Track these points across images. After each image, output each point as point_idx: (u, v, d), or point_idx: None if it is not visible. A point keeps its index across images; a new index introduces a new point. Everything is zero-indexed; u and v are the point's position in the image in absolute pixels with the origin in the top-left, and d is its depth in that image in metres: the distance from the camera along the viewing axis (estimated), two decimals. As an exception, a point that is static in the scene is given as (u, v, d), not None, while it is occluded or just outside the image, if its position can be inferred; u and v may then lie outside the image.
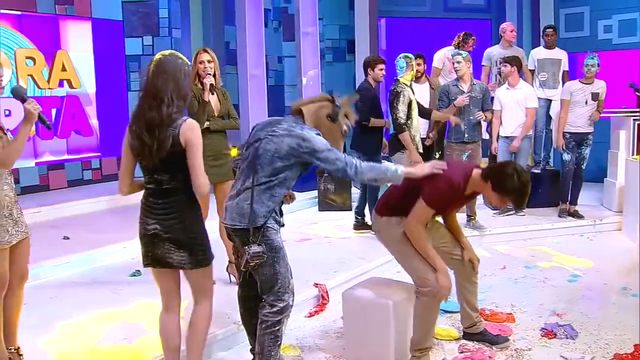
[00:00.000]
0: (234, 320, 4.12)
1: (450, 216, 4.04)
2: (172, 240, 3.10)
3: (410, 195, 3.59)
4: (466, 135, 6.67)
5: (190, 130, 3.01)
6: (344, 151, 3.54)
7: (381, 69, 6.45)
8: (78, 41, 8.66)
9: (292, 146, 3.21)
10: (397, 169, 3.38)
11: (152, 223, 3.11)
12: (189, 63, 3.22)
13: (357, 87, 6.95)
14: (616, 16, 9.50)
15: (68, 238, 6.18)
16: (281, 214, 3.42)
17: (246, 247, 3.21)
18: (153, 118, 3.00)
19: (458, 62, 6.66)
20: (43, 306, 4.59)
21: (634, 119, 7.29)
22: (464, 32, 8.08)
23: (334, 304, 4.73)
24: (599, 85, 7.17)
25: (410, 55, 6.42)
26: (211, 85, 4.72)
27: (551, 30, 8.16)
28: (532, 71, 8.16)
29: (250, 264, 3.21)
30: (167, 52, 3.18)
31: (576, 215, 7.35)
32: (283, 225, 3.44)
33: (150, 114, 3.01)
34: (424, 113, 6.65)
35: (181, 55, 3.18)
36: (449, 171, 3.56)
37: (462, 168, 3.80)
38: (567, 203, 7.43)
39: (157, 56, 3.12)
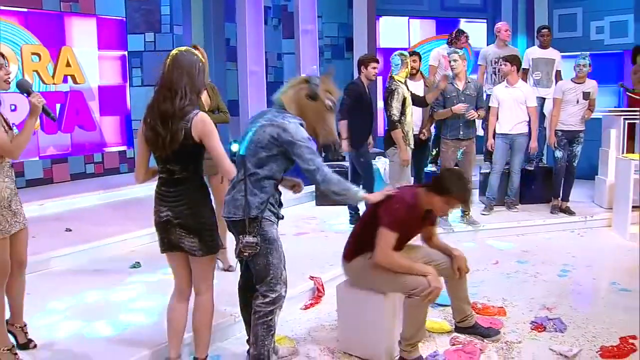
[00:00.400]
0: (231, 312, 4.23)
1: (432, 239, 4.13)
2: (182, 226, 3.25)
3: (370, 228, 3.73)
4: (461, 133, 6.71)
5: (201, 123, 3.15)
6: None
7: (374, 68, 6.54)
8: (82, 37, 8.76)
9: (272, 135, 3.24)
10: (358, 192, 3.51)
11: (164, 210, 3.28)
12: (202, 60, 3.37)
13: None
14: (608, 17, 9.66)
15: (70, 230, 6.28)
16: (280, 206, 3.46)
17: (240, 237, 3.29)
18: (167, 110, 3.14)
19: (455, 60, 6.68)
20: (45, 296, 4.70)
21: (624, 118, 7.38)
22: (456, 29, 8.22)
23: (329, 297, 4.80)
24: (590, 85, 7.29)
25: (405, 52, 6.46)
26: None
27: (546, 30, 8.24)
28: (526, 70, 8.26)
29: (244, 254, 3.29)
30: (183, 48, 3.34)
31: (567, 211, 7.48)
32: (282, 218, 3.49)
33: (164, 105, 3.16)
34: (419, 102, 6.71)
35: (196, 52, 3.34)
36: (399, 193, 3.77)
37: (409, 188, 4.06)
38: (559, 199, 7.57)
39: (174, 51, 3.27)
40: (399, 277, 3.68)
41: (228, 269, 5.12)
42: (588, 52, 7.36)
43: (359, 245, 3.85)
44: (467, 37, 8.16)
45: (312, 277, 5.02)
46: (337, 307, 4.07)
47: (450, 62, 6.80)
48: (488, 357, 3.96)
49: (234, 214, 3.32)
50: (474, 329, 4.23)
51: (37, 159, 8.25)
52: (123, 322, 4.24)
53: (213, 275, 3.50)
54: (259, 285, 3.38)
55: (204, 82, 3.47)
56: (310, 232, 6.77)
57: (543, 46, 8.22)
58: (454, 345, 4.12)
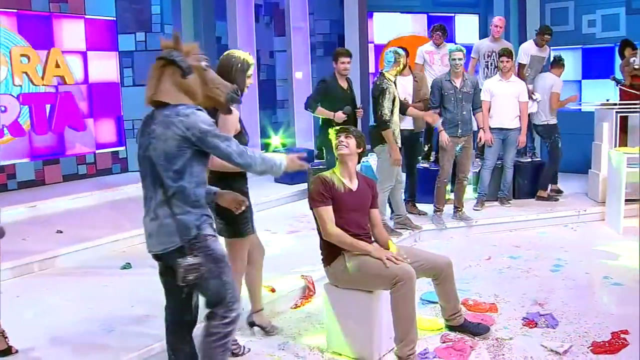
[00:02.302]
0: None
1: (376, 227, 4.10)
2: (212, 209, 3.41)
3: None
4: (459, 130, 6.65)
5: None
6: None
7: (343, 62, 6.44)
8: (72, 38, 8.72)
9: (178, 138, 2.82)
10: (281, 163, 3.12)
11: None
12: (246, 60, 3.77)
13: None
14: (600, 11, 9.64)
15: (61, 232, 6.27)
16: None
17: (179, 260, 2.84)
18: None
19: (459, 59, 6.57)
20: (35, 298, 4.70)
21: (616, 112, 7.39)
22: (438, 25, 8.20)
23: (319, 296, 4.76)
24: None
25: (400, 51, 6.28)
26: None
27: (549, 36, 8.12)
28: (524, 65, 8.18)
29: (188, 279, 2.84)
30: (227, 51, 3.86)
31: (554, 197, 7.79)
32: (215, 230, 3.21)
33: None
34: (399, 109, 6.57)
35: (238, 54, 3.78)
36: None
37: None
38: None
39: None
40: (371, 272, 3.74)
41: None
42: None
43: (330, 248, 3.90)
44: (436, 29, 8.14)
45: (303, 276, 5.01)
46: (325, 306, 4.06)
47: (452, 59, 6.62)
48: (479, 354, 3.95)
49: (171, 242, 2.87)
50: (464, 326, 4.22)
51: (28, 160, 8.22)
52: (112, 323, 4.22)
53: (238, 259, 3.83)
54: (216, 307, 3.02)
55: (243, 81, 3.73)
56: (302, 230, 6.75)
57: (539, 45, 8.17)
58: (444, 342, 4.11)
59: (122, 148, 9.41)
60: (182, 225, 2.85)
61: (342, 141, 3.99)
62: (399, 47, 6.39)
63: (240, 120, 3.84)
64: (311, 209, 3.95)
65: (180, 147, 2.81)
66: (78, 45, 8.80)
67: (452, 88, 6.64)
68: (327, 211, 3.84)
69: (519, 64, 8.16)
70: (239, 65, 3.76)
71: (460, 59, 6.58)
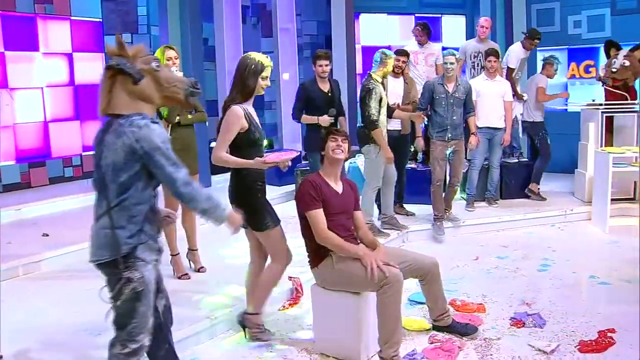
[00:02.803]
0: (206, 314, 4.27)
1: (360, 228, 4.10)
2: (231, 201, 3.88)
3: (309, 230, 3.88)
4: (449, 135, 6.57)
5: (225, 115, 3.83)
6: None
7: (321, 65, 6.35)
8: (57, 40, 8.66)
9: (127, 150, 2.69)
10: (225, 210, 2.92)
11: None
12: (261, 62, 3.84)
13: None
14: (585, 12, 9.73)
15: (47, 235, 6.21)
16: (159, 231, 2.98)
17: (110, 275, 2.81)
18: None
19: (451, 63, 6.47)
20: (22, 302, 4.65)
21: (602, 112, 7.44)
22: (421, 24, 8.14)
23: (308, 298, 4.73)
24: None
25: (387, 52, 6.25)
26: None
27: (539, 39, 8.15)
28: (513, 70, 8.18)
29: (125, 292, 2.77)
30: (246, 53, 3.98)
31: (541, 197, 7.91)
32: (161, 251, 2.98)
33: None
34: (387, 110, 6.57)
35: (254, 56, 3.87)
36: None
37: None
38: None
39: None
40: (356, 274, 3.72)
41: (199, 270, 5.33)
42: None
43: (316, 250, 3.89)
44: (418, 28, 8.08)
45: (290, 278, 4.99)
46: (313, 308, 4.06)
47: (445, 64, 6.54)
48: (467, 355, 3.95)
49: (101, 255, 2.78)
50: (451, 327, 4.23)
51: (13, 163, 8.16)
52: (98, 327, 4.15)
53: (279, 248, 4.00)
54: (119, 331, 2.86)
55: (254, 82, 3.83)
56: (290, 232, 6.67)
57: (527, 48, 8.20)
58: (432, 343, 4.11)
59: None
60: (114, 240, 2.73)
61: (340, 145, 3.95)
62: (386, 48, 6.40)
63: (248, 117, 3.83)
64: (300, 212, 3.91)
65: (127, 159, 2.69)
66: (64, 46, 8.74)
67: (444, 92, 6.54)
68: (320, 214, 3.82)
69: (509, 68, 8.15)
70: (253, 66, 3.82)
71: (452, 63, 6.47)
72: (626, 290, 5.04)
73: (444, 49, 7.77)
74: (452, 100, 6.55)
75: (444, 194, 6.84)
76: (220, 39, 9.50)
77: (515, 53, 8.24)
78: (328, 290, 3.92)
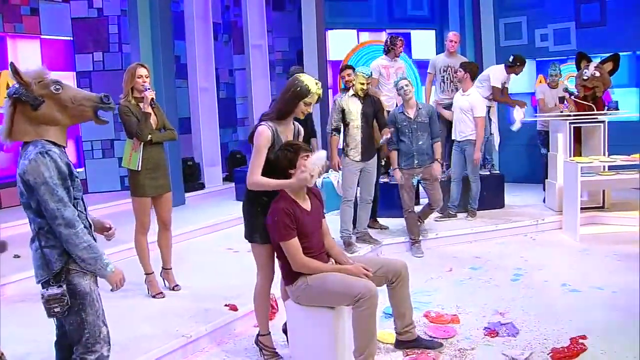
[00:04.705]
0: (182, 333, 4.23)
1: (326, 239, 4.04)
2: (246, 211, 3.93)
3: (282, 253, 3.79)
4: (416, 162, 6.46)
5: (255, 133, 3.77)
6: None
7: None
8: (28, 59, 8.58)
9: (21, 180, 2.70)
10: (110, 267, 2.80)
11: None
12: (308, 87, 3.71)
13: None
14: (551, 25, 9.94)
15: (19, 256, 6.12)
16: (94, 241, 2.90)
17: (41, 292, 2.75)
18: None
19: (406, 86, 6.38)
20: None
21: (570, 123, 7.56)
22: (389, 37, 8.08)
23: (283, 313, 4.75)
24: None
25: (359, 70, 6.34)
26: (152, 99, 4.94)
27: (524, 65, 8.28)
28: (499, 89, 8.22)
29: (54, 311, 2.73)
30: (301, 73, 3.94)
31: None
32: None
33: None
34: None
35: (304, 78, 3.75)
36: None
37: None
38: None
39: None
40: (333, 289, 3.70)
41: (174, 288, 5.28)
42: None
43: (290, 269, 3.82)
44: (402, 41, 8.00)
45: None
46: (288, 323, 4.03)
47: (399, 90, 6.50)
48: (442, 366, 3.98)
49: (40, 275, 2.77)
50: (417, 342, 4.19)
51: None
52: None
53: (263, 262, 3.96)
54: (75, 346, 2.85)
55: (293, 105, 3.76)
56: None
57: (510, 73, 8.27)
58: (407, 356, 4.12)
59: (81, 169, 9.27)
60: (46, 259, 2.73)
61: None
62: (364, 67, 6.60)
63: (276, 136, 3.75)
64: (275, 241, 3.77)
65: (25, 188, 2.70)
66: (34, 66, 8.64)
67: (405, 119, 6.43)
68: (295, 242, 3.71)
69: (493, 87, 8.16)
70: (298, 89, 3.72)
71: (407, 86, 6.38)
72: (597, 297, 5.11)
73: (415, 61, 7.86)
74: (415, 126, 6.42)
75: (422, 208, 6.90)
76: (192, 57, 9.49)
77: (497, 76, 8.21)
78: (302, 306, 3.88)
